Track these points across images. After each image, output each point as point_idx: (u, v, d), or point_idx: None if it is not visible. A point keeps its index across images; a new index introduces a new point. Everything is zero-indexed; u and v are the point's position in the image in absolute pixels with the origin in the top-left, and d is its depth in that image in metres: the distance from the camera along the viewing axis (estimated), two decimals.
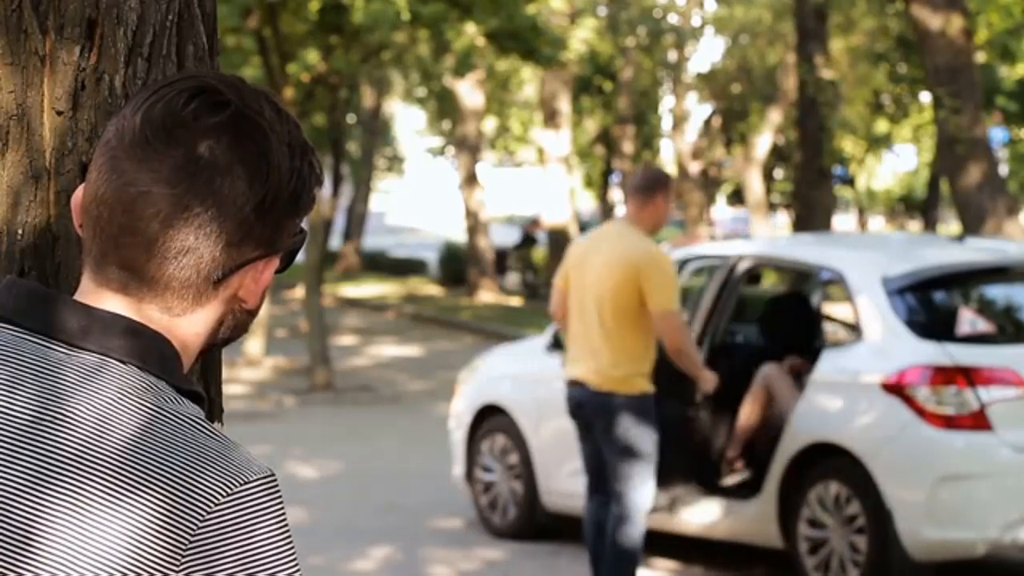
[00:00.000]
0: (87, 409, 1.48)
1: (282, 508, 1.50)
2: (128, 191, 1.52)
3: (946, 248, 8.73)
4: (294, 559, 1.50)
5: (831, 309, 8.43)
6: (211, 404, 2.01)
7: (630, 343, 7.05)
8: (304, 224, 1.63)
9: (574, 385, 7.20)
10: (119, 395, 1.49)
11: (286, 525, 1.50)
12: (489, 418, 9.60)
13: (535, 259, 30.43)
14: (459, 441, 9.71)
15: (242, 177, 1.53)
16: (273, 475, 1.50)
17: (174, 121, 1.53)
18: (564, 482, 9.07)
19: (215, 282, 1.55)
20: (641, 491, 7.09)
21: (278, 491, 1.50)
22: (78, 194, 1.61)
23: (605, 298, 7.05)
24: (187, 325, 1.57)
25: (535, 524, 9.29)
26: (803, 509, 7.83)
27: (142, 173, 1.52)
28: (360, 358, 19.77)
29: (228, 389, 14.37)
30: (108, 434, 1.47)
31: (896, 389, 7.46)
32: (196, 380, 1.98)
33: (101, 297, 1.55)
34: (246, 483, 1.47)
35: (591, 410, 7.13)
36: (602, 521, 7.27)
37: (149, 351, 1.53)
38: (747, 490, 8.07)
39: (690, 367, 7.22)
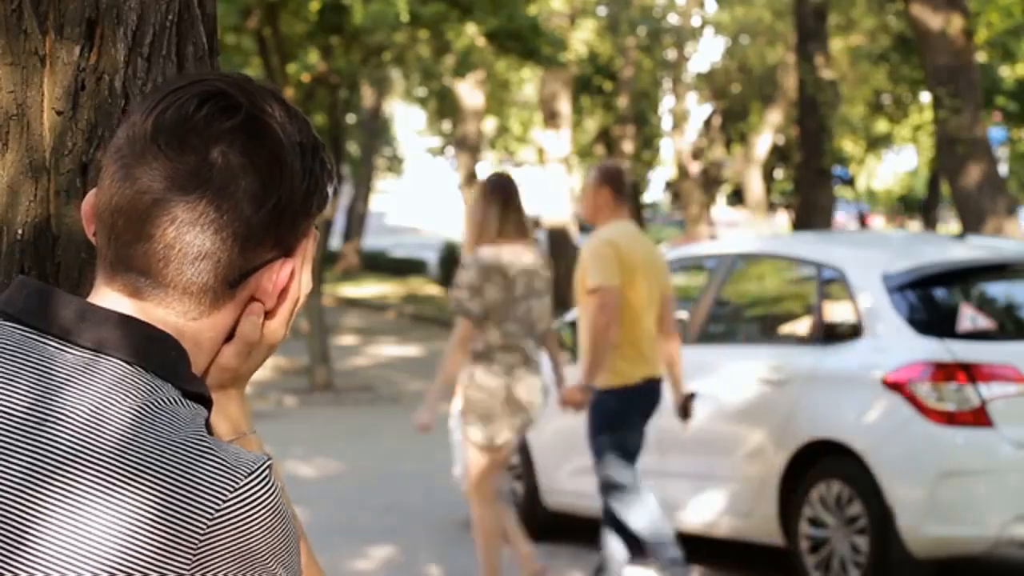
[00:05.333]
0: (80, 405, 1.49)
1: (280, 493, 1.51)
2: (143, 199, 1.53)
3: (946, 245, 8.74)
4: (297, 544, 1.53)
5: (831, 306, 8.42)
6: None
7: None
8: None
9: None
10: (110, 390, 1.50)
11: (286, 511, 1.52)
12: None
13: None
14: (459, 441, 9.70)
15: (256, 180, 1.54)
16: (269, 458, 1.52)
17: (186, 127, 1.54)
18: (565, 482, 9.08)
19: (232, 285, 1.56)
20: (615, 502, 7.29)
21: (273, 478, 1.50)
22: (89, 200, 1.61)
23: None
24: (204, 328, 1.58)
25: (535, 524, 9.29)
26: (804, 508, 7.84)
27: (156, 180, 1.53)
28: (360, 358, 19.78)
29: None
30: (101, 429, 1.48)
31: (897, 385, 7.46)
32: None
33: (115, 302, 1.56)
34: (250, 473, 1.48)
35: None
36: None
37: (147, 347, 1.54)
38: None
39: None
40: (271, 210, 1.55)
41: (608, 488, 7.39)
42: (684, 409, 7.75)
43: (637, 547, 7.42)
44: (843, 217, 39.32)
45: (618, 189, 7.52)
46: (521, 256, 7.17)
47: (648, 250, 7.60)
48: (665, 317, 7.58)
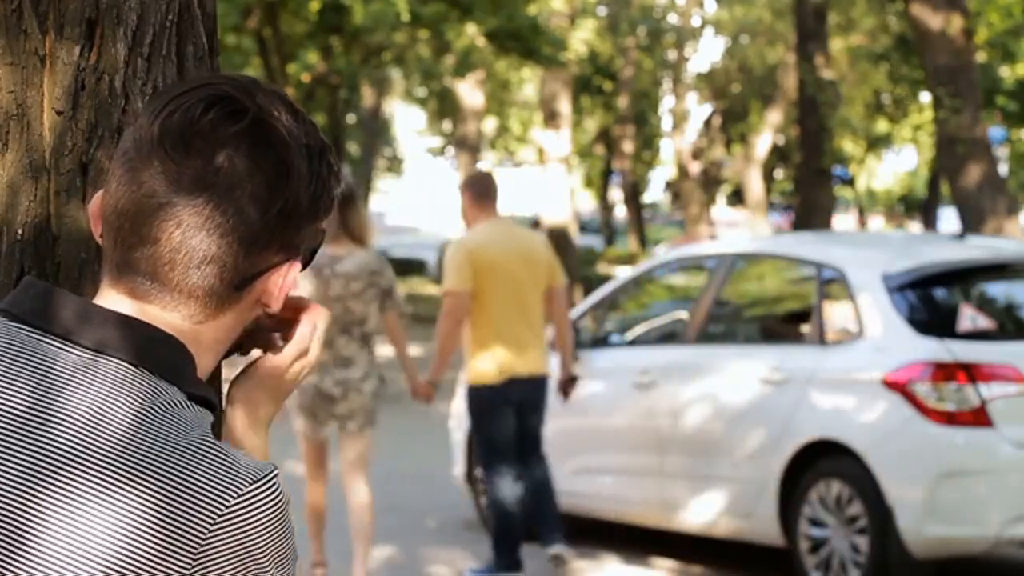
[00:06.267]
0: (80, 405, 1.49)
1: (285, 502, 1.51)
2: (149, 202, 1.53)
3: (946, 245, 8.74)
4: (294, 550, 1.54)
5: (831, 306, 8.42)
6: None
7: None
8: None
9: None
10: (112, 391, 1.50)
11: (288, 519, 1.52)
12: None
13: None
14: (459, 441, 9.71)
15: (262, 185, 1.54)
16: (276, 469, 1.52)
17: (192, 131, 1.54)
18: (565, 481, 9.08)
19: (237, 288, 1.56)
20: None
21: (279, 485, 1.51)
22: (96, 202, 1.61)
23: None
24: (210, 331, 1.58)
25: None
26: (804, 508, 7.84)
27: (162, 184, 1.53)
28: None
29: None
30: (101, 430, 1.48)
31: (897, 386, 7.46)
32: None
33: (119, 304, 1.56)
34: (255, 480, 1.49)
35: None
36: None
37: (151, 349, 1.54)
38: None
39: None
40: (277, 214, 1.55)
41: (486, 477, 8.13)
42: (564, 390, 8.42)
43: (512, 537, 8.14)
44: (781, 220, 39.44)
45: (479, 194, 7.95)
46: (343, 259, 7.58)
47: (520, 249, 7.95)
48: (554, 307, 8.09)
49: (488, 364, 7.89)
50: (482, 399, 7.97)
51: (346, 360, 7.73)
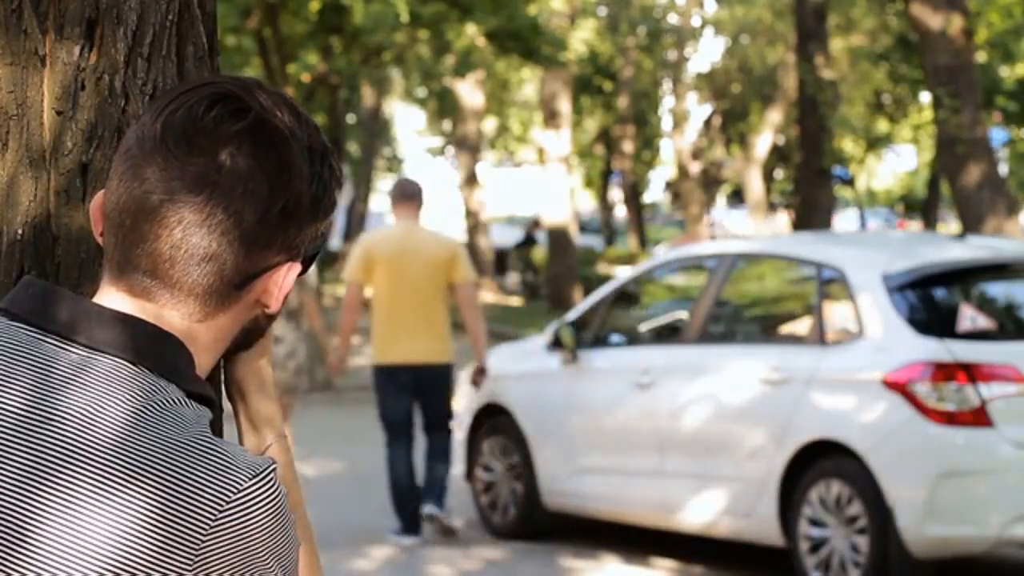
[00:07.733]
0: (79, 403, 1.49)
1: (284, 497, 1.52)
2: (151, 199, 1.53)
3: (946, 245, 8.74)
4: (296, 545, 1.54)
5: (831, 306, 8.41)
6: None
7: None
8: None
9: None
10: (110, 389, 1.50)
11: (288, 514, 1.52)
12: (489, 418, 9.61)
13: (535, 259, 30.45)
14: (459, 441, 9.71)
15: (264, 184, 1.54)
16: (274, 462, 1.52)
17: (195, 128, 1.54)
18: (565, 482, 9.08)
19: (237, 287, 1.56)
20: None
21: (277, 481, 1.51)
22: (97, 200, 1.62)
23: None
24: (209, 331, 1.58)
25: (535, 524, 9.29)
26: (804, 508, 7.84)
27: (164, 181, 1.53)
28: (360, 358, 19.75)
29: None
30: (100, 428, 1.48)
31: (897, 386, 7.46)
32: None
33: (119, 302, 1.56)
34: (254, 475, 1.49)
35: None
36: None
37: (150, 347, 1.54)
38: None
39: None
40: (278, 213, 1.55)
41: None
42: (474, 380, 9.29)
43: (407, 504, 8.94)
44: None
45: (396, 197, 8.93)
46: None
47: (417, 249, 8.75)
48: (461, 304, 8.93)
49: (380, 349, 8.80)
50: (376, 379, 8.90)
51: (276, 338, 8.34)
